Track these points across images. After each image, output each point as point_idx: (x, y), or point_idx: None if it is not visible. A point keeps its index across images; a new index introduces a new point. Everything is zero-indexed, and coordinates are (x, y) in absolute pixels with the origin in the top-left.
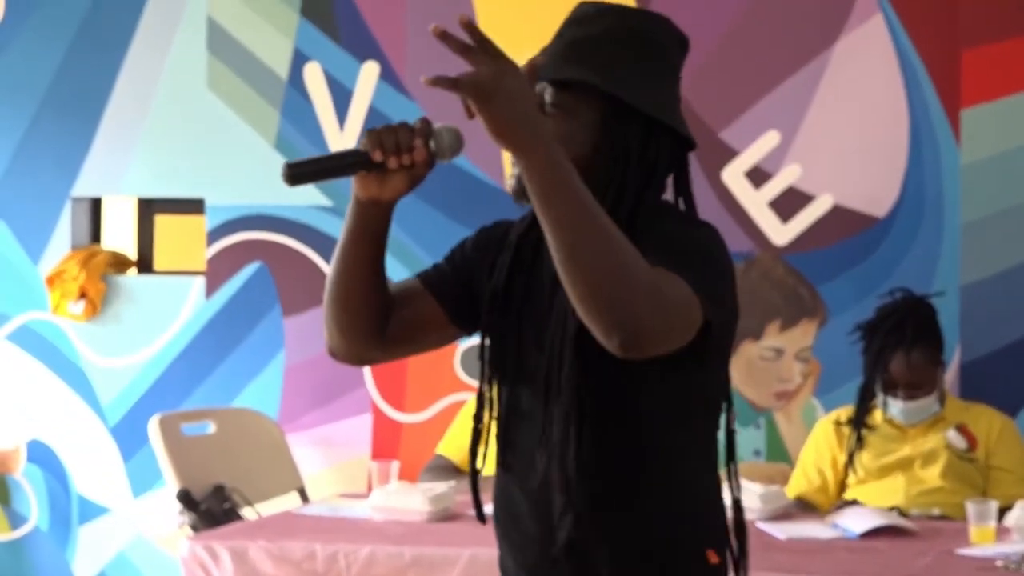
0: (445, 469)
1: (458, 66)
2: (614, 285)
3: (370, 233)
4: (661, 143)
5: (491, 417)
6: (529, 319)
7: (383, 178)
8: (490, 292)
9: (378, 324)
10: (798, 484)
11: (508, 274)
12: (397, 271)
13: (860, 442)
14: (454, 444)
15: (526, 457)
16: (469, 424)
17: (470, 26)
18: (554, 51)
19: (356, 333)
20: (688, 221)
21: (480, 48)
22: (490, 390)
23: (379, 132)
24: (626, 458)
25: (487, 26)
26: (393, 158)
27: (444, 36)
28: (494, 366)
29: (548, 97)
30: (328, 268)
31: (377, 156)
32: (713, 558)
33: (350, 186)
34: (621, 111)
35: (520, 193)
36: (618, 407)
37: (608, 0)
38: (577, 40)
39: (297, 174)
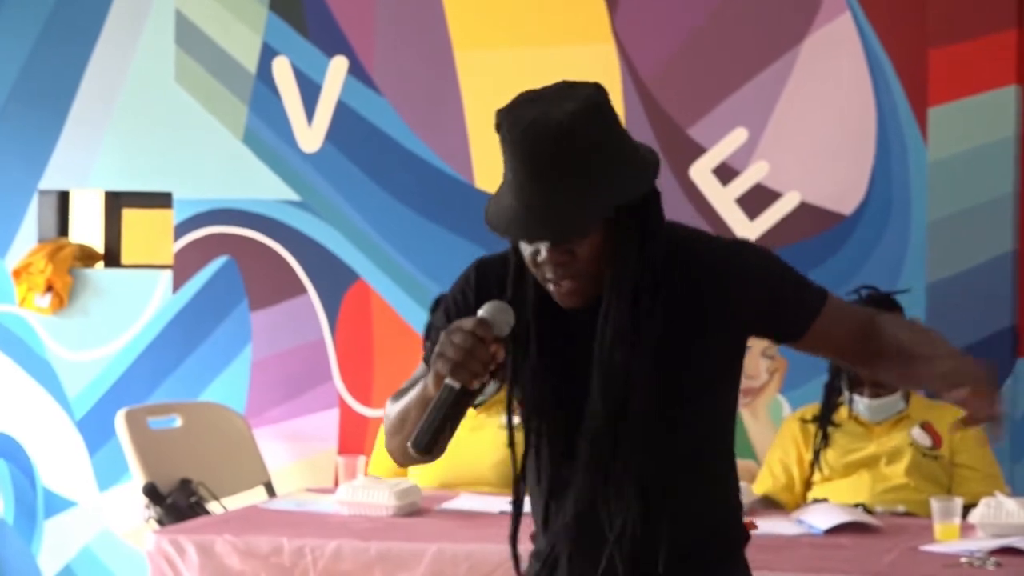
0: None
1: (420, 63)
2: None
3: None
4: (652, 190)
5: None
6: (563, 356)
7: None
8: (533, 361)
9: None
10: (764, 482)
11: (539, 337)
12: (369, 270)
13: (826, 440)
14: None
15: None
16: None
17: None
18: (546, 204)
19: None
20: (742, 246)
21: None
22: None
23: (461, 363)
24: (694, 454)
25: (455, 22)
26: (487, 375)
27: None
28: (536, 408)
29: (565, 246)
30: (399, 422)
31: (475, 385)
32: (751, 527)
33: (317, 180)
34: (626, 208)
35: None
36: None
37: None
38: (557, 174)
39: (428, 443)
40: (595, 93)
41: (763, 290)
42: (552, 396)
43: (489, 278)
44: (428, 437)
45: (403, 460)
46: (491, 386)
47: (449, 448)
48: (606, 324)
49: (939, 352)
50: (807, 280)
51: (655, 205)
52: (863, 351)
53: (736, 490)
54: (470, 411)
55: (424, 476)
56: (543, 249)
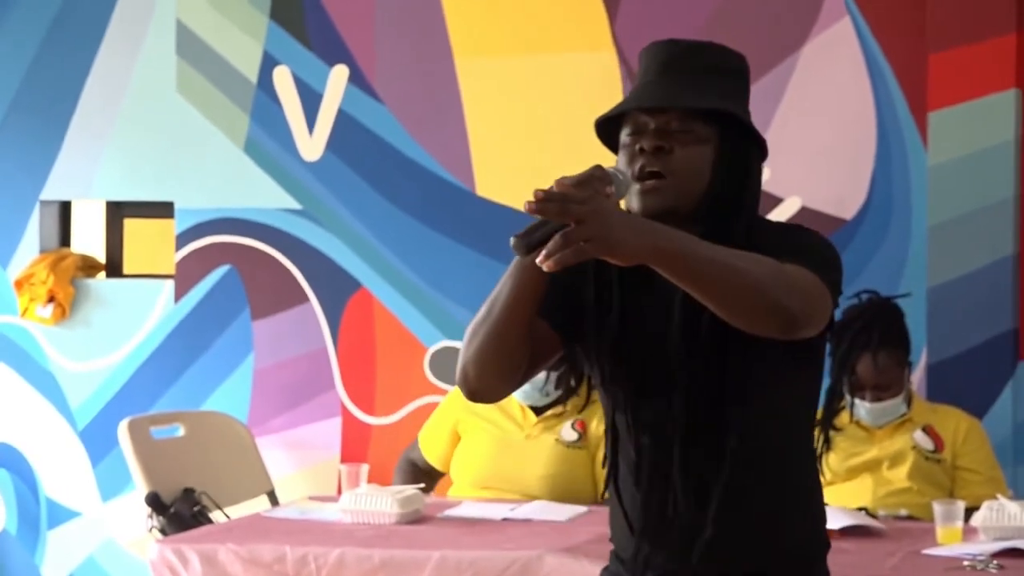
0: (417, 471)
1: (421, 71)
2: (756, 296)
3: (544, 282)
4: (760, 160)
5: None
6: (643, 326)
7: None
8: (611, 316)
9: (523, 364)
10: None
11: (620, 291)
12: (371, 278)
13: (828, 444)
14: (429, 443)
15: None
16: (444, 424)
17: (545, 192)
18: (670, 83)
19: (511, 377)
20: (790, 225)
21: (566, 202)
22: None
23: (577, 187)
24: (770, 455)
25: (455, 30)
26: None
27: (539, 211)
28: (614, 377)
29: (675, 124)
30: (487, 311)
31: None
32: (832, 536)
33: (319, 189)
34: (737, 135)
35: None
36: (755, 407)
37: (684, 39)
38: (691, 74)
39: (532, 243)
40: (742, 57)
41: (785, 242)
42: (624, 357)
43: None
44: (536, 234)
45: (479, 367)
46: (554, 392)
47: (497, 451)
48: None
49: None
50: (832, 272)
51: (758, 164)
52: None
53: (816, 500)
54: (528, 418)
55: (466, 474)
56: (646, 138)
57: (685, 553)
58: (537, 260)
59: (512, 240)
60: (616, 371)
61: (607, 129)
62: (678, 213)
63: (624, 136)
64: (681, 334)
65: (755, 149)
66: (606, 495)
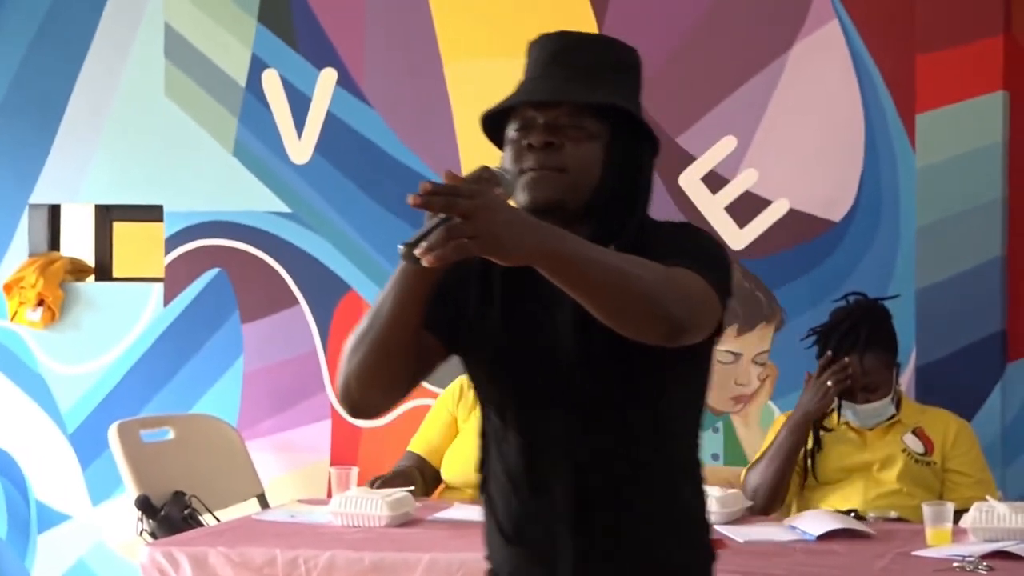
0: (408, 474)
1: (410, 74)
2: (643, 303)
3: (432, 289)
4: (653, 157)
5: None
6: (528, 333)
7: None
8: (491, 321)
9: (409, 375)
10: None
11: (501, 297)
12: (360, 281)
13: (818, 445)
14: (424, 439)
15: (538, 474)
16: (438, 420)
17: (431, 185)
18: (560, 77)
19: (396, 391)
20: (680, 223)
21: (453, 195)
22: (495, 410)
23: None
24: (655, 465)
25: (444, 33)
26: None
27: (424, 204)
28: (496, 385)
29: (566, 120)
30: (369, 322)
31: None
32: (719, 547)
33: (308, 192)
34: (628, 131)
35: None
36: (643, 416)
37: (576, 31)
38: (582, 68)
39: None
40: (635, 52)
41: (673, 242)
42: (509, 364)
43: None
44: (424, 239)
45: (362, 380)
46: None
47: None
48: None
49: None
50: (720, 275)
51: (650, 162)
52: None
53: (700, 512)
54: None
55: (460, 470)
56: (534, 134)
57: (562, 567)
58: (416, 252)
59: (400, 248)
60: (498, 378)
61: (493, 124)
62: (566, 208)
63: (511, 131)
64: (568, 342)
65: (647, 146)
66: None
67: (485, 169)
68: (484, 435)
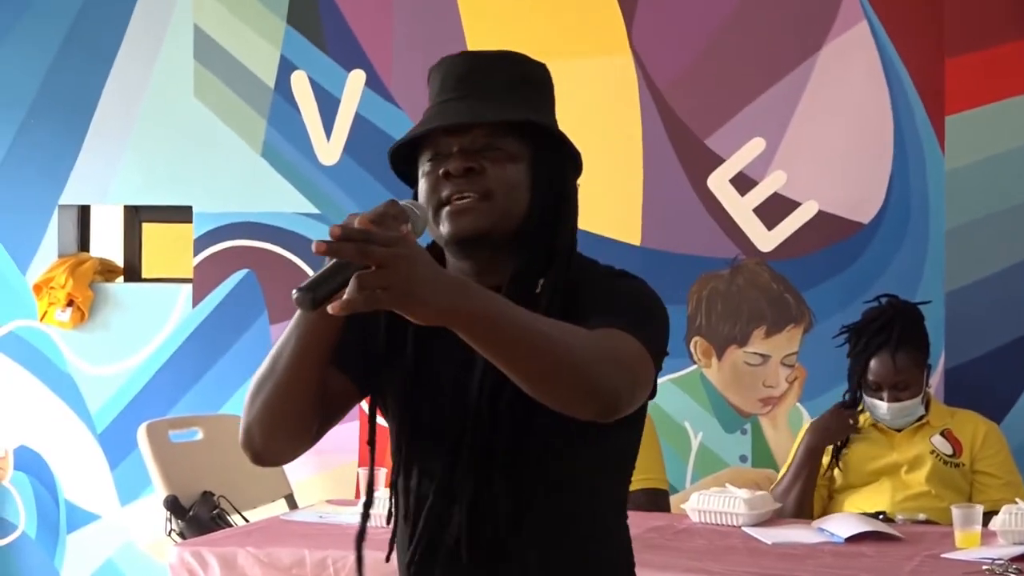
0: None
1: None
2: (572, 375)
3: (335, 333)
4: (576, 177)
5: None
6: (437, 383)
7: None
8: (402, 367)
9: (316, 420)
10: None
11: (415, 340)
12: None
13: (845, 447)
14: None
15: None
16: None
17: (343, 230)
18: (472, 98)
19: (302, 438)
20: (614, 271)
21: (368, 243)
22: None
23: (373, 221)
24: (562, 523)
25: (472, 34)
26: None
27: (333, 252)
28: (404, 432)
29: (483, 142)
30: (270, 366)
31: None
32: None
33: (336, 193)
34: (550, 151)
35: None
36: (555, 475)
37: (487, 50)
38: (494, 87)
39: (317, 299)
40: (546, 67)
41: (605, 295)
42: (416, 409)
43: None
44: (322, 289)
45: (264, 427)
46: None
47: None
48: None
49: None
50: (653, 333)
51: (574, 182)
52: None
53: (623, 568)
54: None
55: None
56: (451, 162)
57: None
58: (316, 297)
59: (295, 293)
60: (406, 424)
61: (404, 159)
62: (493, 238)
63: (424, 164)
64: (480, 390)
65: (570, 165)
66: None
67: (392, 204)
68: (393, 483)
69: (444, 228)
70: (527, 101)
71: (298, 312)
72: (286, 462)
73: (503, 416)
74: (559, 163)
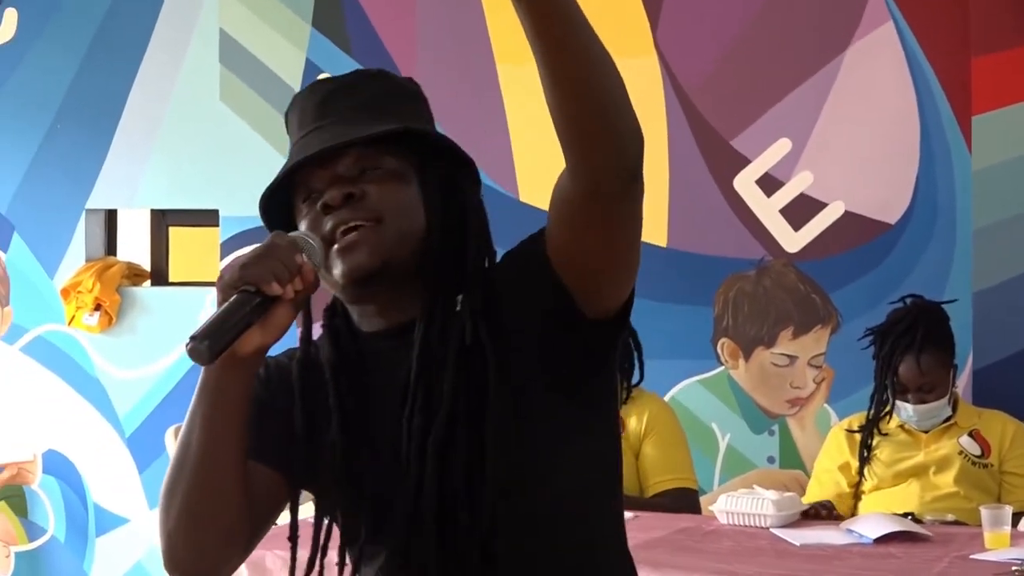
0: None
1: (463, 78)
2: (620, 90)
3: (247, 399)
4: (476, 184)
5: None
6: (375, 448)
7: (266, 318)
8: (338, 450)
9: (247, 521)
10: (813, 492)
11: (342, 421)
12: None
13: (869, 449)
14: None
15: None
16: None
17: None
18: (336, 123)
19: (235, 543)
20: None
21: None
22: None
23: (258, 263)
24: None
25: (497, 36)
26: (288, 285)
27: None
28: (352, 512)
29: (358, 166)
30: (180, 459)
31: (275, 288)
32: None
33: None
34: (436, 162)
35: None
36: (526, 509)
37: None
38: (358, 106)
39: (215, 348)
40: (413, 80)
41: (514, 270)
42: (357, 482)
43: (269, 370)
44: (219, 339)
45: (188, 537)
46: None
47: None
48: (420, 349)
49: None
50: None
51: (473, 189)
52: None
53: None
54: None
55: None
56: (328, 192)
57: None
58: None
59: (188, 345)
60: (350, 501)
61: (277, 210)
62: (393, 269)
63: (300, 207)
64: (422, 444)
65: (465, 172)
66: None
67: (278, 235)
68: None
69: (337, 269)
70: (398, 115)
71: (197, 389)
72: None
73: (455, 468)
74: (450, 173)
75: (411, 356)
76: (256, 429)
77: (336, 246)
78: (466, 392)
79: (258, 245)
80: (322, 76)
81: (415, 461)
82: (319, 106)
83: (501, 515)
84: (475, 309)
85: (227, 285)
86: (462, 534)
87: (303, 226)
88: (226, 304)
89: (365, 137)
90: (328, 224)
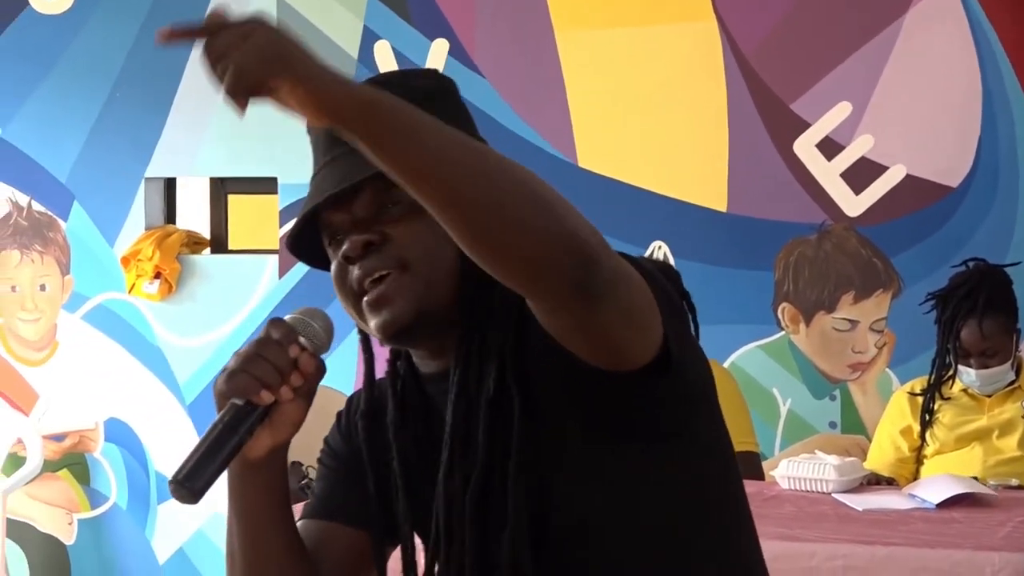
0: None
1: (521, 44)
2: (529, 204)
3: (278, 491)
4: None
5: None
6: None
7: (272, 419)
8: (405, 511)
9: None
10: (875, 457)
11: (404, 479)
12: None
13: (934, 412)
14: None
15: None
16: None
17: (181, 26)
18: (344, 156)
19: None
20: None
21: (212, 27)
22: None
23: (244, 370)
24: None
25: (555, 4)
26: (284, 388)
27: (171, 35)
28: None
29: (375, 203)
30: (230, 564)
31: (265, 398)
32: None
33: None
34: None
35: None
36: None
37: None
38: None
39: (201, 484)
40: (439, 79)
41: None
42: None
43: (347, 417)
44: (203, 475)
45: None
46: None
47: None
48: (456, 397)
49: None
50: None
51: None
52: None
53: None
54: None
55: None
56: (347, 245)
57: None
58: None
59: (172, 487)
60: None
61: (307, 244)
62: (430, 313)
63: (327, 247)
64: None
65: None
66: None
67: (273, 325)
68: None
69: (372, 324)
70: None
71: (229, 491)
72: None
73: (491, 522)
74: None
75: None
76: (334, 488)
77: (365, 300)
78: (502, 442)
79: (250, 343)
80: None
81: (455, 519)
82: (329, 133)
83: (575, 564)
84: (504, 350)
85: (219, 395)
86: None
87: (332, 276)
88: (212, 427)
89: (375, 174)
90: (354, 275)
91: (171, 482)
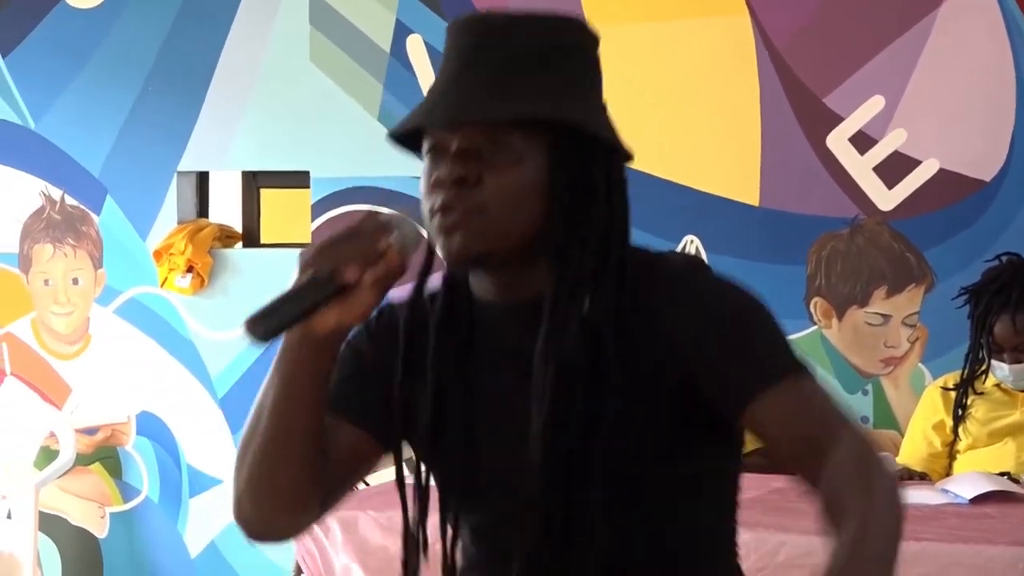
0: None
1: None
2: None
3: (323, 374)
4: (618, 172)
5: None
6: (489, 435)
7: (346, 300)
8: (429, 418)
9: (321, 484)
10: (907, 452)
11: (437, 391)
12: None
13: (967, 407)
14: None
15: None
16: None
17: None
18: (473, 84)
19: (304, 507)
20: (682, 274)
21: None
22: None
23: (333, 248)
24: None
25: (592, 3)
26: (366, 272)
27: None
28: (449, 497)
29: (482, 141)
30: (253, 425)
31: (349, 276)
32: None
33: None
34: (572, 144)
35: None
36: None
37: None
38: (504, 66)
39: (269, 329)
40: (584, 35)
41: (721, 339)
42: (477, 477)
43: (380, 320)
44: (274, 321)
45: (255, 499)
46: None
47: None
48: (547, 345)
49: (836, 556)
50: (783, 350)
51: (617, 177)
52: (792, 464)
53: None
54: None
55: None
56: (445, 164)
57: None
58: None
59: (246, 324)
60: (454, 481)
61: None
62: (498, 254)
63: (425, 155)
64: (555, 442)
65: (610, 158)
66: None
67: (370, 216)
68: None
69: (438, 244)
70: (545, 82)
71: (276, 355)
72: (290, 538)
73: (593, 469)
74: (588, 158)
75: (528, 331)
76: (349, 383)
77: (438, 221)
78: (595, 410)
79: (347, 226)
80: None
81: (541, 455)
82: (469, 54)
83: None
84: (607, 310)
85: (304, 264)
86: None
87: (422, 180)
88: (293, 286)
89: (489, 117)
90: (434, 199)
91: (246, 321)
